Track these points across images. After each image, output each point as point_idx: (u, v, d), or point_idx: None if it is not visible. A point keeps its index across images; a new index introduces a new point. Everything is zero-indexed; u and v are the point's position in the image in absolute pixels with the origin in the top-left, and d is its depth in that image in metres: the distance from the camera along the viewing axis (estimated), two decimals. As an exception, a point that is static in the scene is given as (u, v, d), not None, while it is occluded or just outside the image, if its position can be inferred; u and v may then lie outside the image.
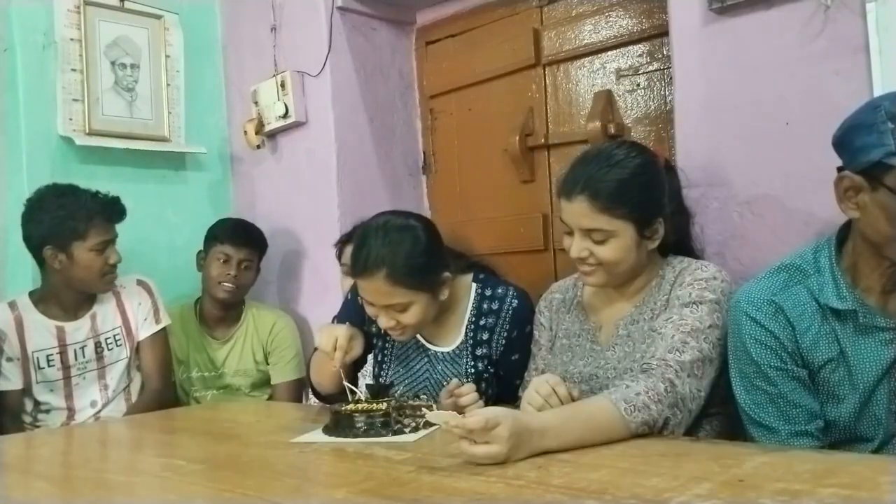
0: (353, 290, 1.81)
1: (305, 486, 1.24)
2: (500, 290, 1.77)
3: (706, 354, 1.37)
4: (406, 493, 1.08)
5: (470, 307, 1.78)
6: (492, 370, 1.77)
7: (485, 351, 1.76)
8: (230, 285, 2.53)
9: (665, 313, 1.45)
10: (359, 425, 1.48)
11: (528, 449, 1.18)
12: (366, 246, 1.62)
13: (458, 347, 1.78)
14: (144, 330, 2.37)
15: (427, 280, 1.64)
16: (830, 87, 1.61)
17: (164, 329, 2.41)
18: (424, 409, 1.47)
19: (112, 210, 2.26)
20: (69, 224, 2.19)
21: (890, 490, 0.98)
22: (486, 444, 1.15)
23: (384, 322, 1.66)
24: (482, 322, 1.76)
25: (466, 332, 1.77)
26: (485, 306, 1.77)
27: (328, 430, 1.52)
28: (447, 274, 1.69)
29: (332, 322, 1.87)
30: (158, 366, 2.38)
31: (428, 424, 1.46)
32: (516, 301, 1.76)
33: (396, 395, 1.64)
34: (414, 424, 1.48)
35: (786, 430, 1.33)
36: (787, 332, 1.33)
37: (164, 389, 2.40)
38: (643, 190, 1.48)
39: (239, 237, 2.57)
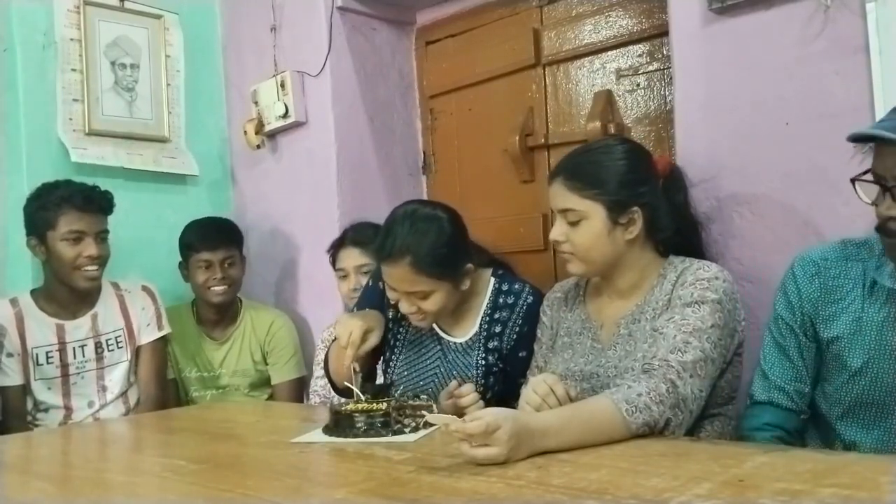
0: (374, 276, 1.86)
1: (305, 486, 1.24)
2: (517, 286, 1.80)
3: (708, 354, 1.37)
4: (406, 493, 1.08)
5: (487, 300, 1.80)
6: (501, 365, 1.78)
7: (496, 344, 1.77)
8: (220, 287, 2.51)
9: (667, 313, 1.45)
10: (359, 425, 1.47)
11: (528, 449, 1.18)
12: (392, 233, 1.65)
13: (471, 339, 1.79)
14: (146, 335, 2.37)
15: (450, 270, 1.67)
16: (830, 87, 1.61)
17: (164, 337, 2.41)
18: (424, 411, 1.47)
19: (85, 199, 2.20)
20: (41, 214, 2.20)
21: (890, 490, 0.98)
22: (486, 447, 1.15)
23: (405, 307, 1.70)
24: (497, 315, 1.78)
25: (481, 325, 1.79)
26: (501, 300, 1.79)
27: (328, 430, 1.51)
28: (470, 265, 1.72)
29: (353, 311, 1.88)
30: (157, 373, 2.38)
31: (428, 424, 1.46)
32: (531, 298, 1.78)
33: (397, 394, 1.64)
34: (414, 424, 1.48)
35: (772, 380, 1.48)
36: (814, 296, 1.42)
37: (162, 397, 2.40)
38: (617, 174, 1.50)
39: (211, 240, 2.52)
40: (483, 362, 1.77)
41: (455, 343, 1.81)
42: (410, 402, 1.54)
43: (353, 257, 2.30)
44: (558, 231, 1.52)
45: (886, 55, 1.52)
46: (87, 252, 2.19)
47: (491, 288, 1.81)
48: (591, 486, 1.02)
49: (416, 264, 1.62)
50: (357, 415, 1.48)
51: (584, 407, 1.30)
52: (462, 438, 1.17)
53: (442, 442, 1.34)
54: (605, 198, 1.48)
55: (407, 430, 1.46)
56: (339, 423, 1.50)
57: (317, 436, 1.51)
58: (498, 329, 1.77)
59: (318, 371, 2.44)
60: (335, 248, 2.39)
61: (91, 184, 2.27)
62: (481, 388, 1.74)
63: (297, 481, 1.26)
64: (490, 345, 1.77)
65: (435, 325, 1.82)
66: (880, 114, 1.53)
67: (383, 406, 1.50)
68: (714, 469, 1.07)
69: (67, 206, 2.18)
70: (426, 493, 1.07)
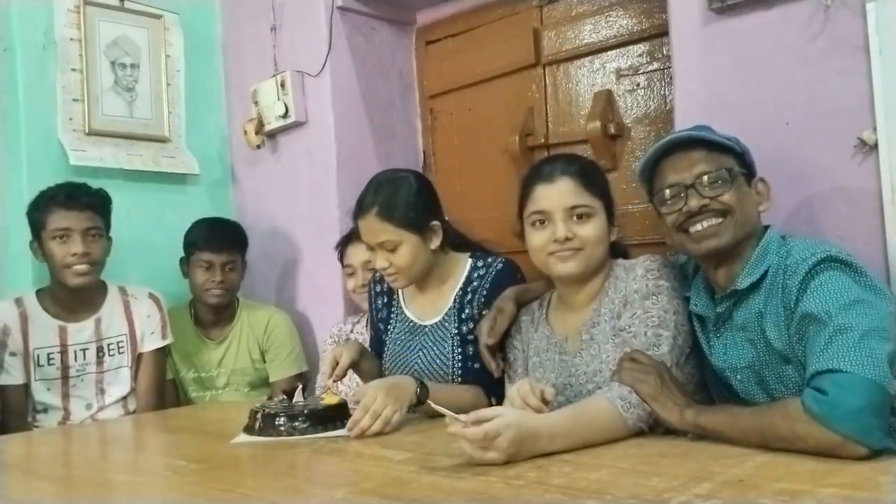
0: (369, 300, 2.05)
1: (305, 486, 1.25)
2: (490, 259, 1.89)
3: (677, 340, 1.44)
4: (406, 493, 1.08)
5: (463, 278, 1.87)
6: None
7: (468, 312, 1.83)
8: (217, 291, 2.50)
9: (627, 310, 1.49)
10: (280, 426, 1.54)
11: (531, 453, 1.19)
12: (364, 196, 1.82)
13: (446, 315, 1.86)
14: (149, 343, 2.36)
15: (415, 220, 1.77)
16: (830, 87, 1.61)
17: (165, 347, 2.41)
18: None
19: (69, 196, 2.20)
20: (34, 215, 2.22)
21: (890, 490, 0.98)
22: (485, 450, 1.16)
23: (379, 263, 1.80)
24: (469, 288, 1.85)
25: (455, 300, 1.86)
26: (475, 274, 1.87)
27: (248, 430, 1.57)
28: (436, 222, 1.82)
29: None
30: (155, 382, 2.38)
31: (335, 426, 1.54)
32: (501, 264, 1.85)
33: (306, 395, 1.71)
34: (338, 424, 1.55)
35: None
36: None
37: (159, 407, 2.38)
38: (602, 177, 1.62)
39: (216, 242, 2.51)
40: (456, 332, 1.83)
41: (431, 325, 1.87)
42: (323, 399, 1.62)
43: (361, 253, 2.29)
44: (567, 228, 1.54)
45: (886, 55, 1.52)
46: (73, 250, 2.17)
47: (468, 267, 1.88)
48: (591, 486, 1.02)
49: (380, 213, 1.76)
50: (279, 415, 1.56)
51: (584, 408, 1.32)
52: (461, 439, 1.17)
53: (442, 442, 1.34)
54: (605, 200, 1.57)
55: (327, 429, 1.53)
56: (262, 424, 1.57)
57: (242, 437, 1.56)
58: (469, 297, 1.84)
59: (324, 368, 2.44)
60: (343, 245, 2.39)
61: (82, 182, 2.26)
62: (459, 358, 1.80)
63: (297, 481, 1.26)
64: (463, 315, 1.84)
65: (412, 317, 1.90)
66: (880, 113, 1.53)
67: (302, 407, 1.58)
68: (714, 469, 1.08)
69: (53, 204, 2.19)
70: (426, 493, 1.07)
